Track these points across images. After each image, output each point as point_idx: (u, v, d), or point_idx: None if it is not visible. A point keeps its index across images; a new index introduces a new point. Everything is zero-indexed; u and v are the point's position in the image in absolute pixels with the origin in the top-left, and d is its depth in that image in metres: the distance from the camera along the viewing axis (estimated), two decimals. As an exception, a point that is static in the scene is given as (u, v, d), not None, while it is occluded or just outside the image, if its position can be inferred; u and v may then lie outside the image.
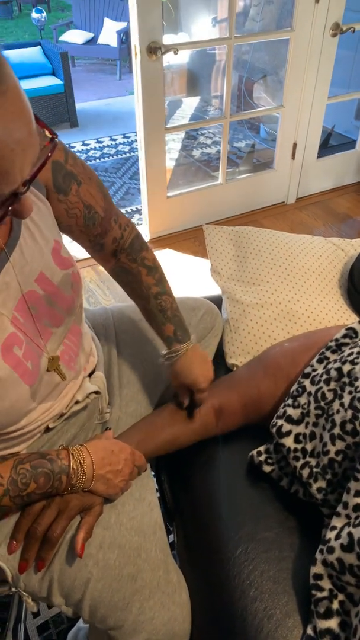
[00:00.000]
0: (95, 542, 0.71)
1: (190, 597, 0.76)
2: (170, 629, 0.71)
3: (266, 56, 3.52)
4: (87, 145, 3.77)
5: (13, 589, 0.71)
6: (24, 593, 0.71)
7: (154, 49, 1.94)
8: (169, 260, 2.31)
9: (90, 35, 5.87)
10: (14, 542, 0.69)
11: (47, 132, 0.50)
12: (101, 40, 5.79)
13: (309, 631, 0.65)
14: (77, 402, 0.78)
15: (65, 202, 0.72)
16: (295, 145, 2.54)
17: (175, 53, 1.99)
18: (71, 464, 0.68)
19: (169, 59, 2.01)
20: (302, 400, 0.80)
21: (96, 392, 0.81)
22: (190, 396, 0.87)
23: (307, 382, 0.81)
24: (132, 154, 3.58)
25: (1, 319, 0.62)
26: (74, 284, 0.73)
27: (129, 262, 0.85)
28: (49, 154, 0.50)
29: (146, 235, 2.44)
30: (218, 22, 3.72)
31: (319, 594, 0.66)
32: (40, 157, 0.49)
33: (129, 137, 3.84)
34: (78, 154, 3.58)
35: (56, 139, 0.50)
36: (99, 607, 0.70)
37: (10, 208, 0.48)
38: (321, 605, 0.65)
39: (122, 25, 5.67)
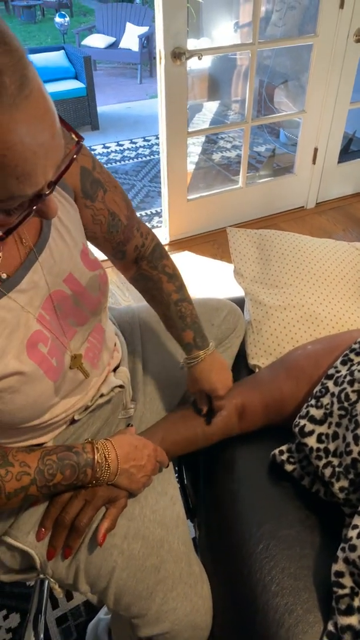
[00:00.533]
0: (120, 533, 0.74)
1: (212, 591, 0.77)
2: (192, 620, 0.73)
3: (288, 61, 3.53)
4: (108, 148, 3.82)
5: (41, 575, 0.73)
6: (52, 579, 0.73)
7: (178, 54, 1.97)
8: (188, 263, 2.34)
9: (112, 39, 5.94)
10: (43, 530, 0.72)
11: (73, 135, 0.51)
12: (123, 44, 5.86)
13: (330, 627, 0.66)
14: (102, 396, 0.80)
15: (92, 207, 0.74)
16: (316, 150, 2.55)
17: (200, 58, 2.01)
18: (96, 458, 0.70)
19: (191, 63, 2.03)
20: (325, 400, 0.81)
21: (120, 386, 0.83)
22: (208, 403, 0.88)
23: (330, 383, 0.82)
24: (152, 157, 3.62)
25: (27, 317, 0.64)
26: (101, 285, 0.75)
27: (149, 269, 0.86)
28: (74, 157, 0.50)
29: (166, 238, 2.46)
30: (240, 27, 3.74)
31: (341, 591, 0.67)
32: (65, 159, 0.50)
33: (149, 140, 3.87)
34: (99, 157, 3.63)
35: (82, 142, 0.51)
36: (124, 595, 0.72)
37: (34, 208, 0.48)
38: (342, 602, 0.66)
39: (143, 29, 5.73)
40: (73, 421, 0.79)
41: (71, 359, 0.72)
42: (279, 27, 3.35)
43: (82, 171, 0.71)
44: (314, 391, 0.84)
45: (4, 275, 0.62)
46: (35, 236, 0.65)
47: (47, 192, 0.48)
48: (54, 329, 0.68)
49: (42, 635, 1.06)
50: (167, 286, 0.87)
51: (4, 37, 0.40)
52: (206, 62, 3.98)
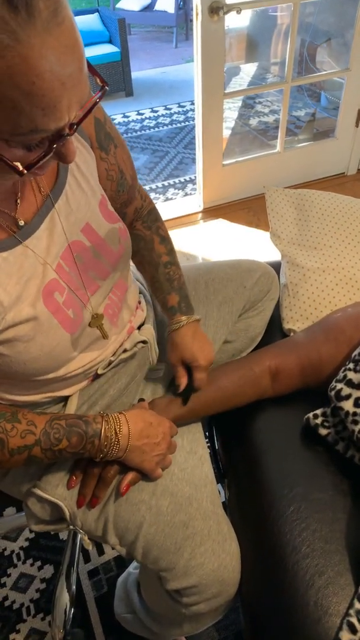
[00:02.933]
0: (148, 489, 0.74)
1: (241, 550, 0.77)
2: (219, 575, 0.73)
3: (331, 18, 3.33)
4: (142, 114, 3.75)
5: (71, 527, 0.75)
6: (81, 531, 0.75)
7: (215, 9, 1.88)
8: (222, 230, 2.29)
9: (147, 1, 5.75)
10: (74, 478, 0.73)
11: (98, 80, 0.49)
12: (158, 6, 5.66)
13: (362, 590, 0.65)
14: (125, 351, 0.79)
15: (107, 160, 0.73)
16: (360, 111, 2.41)
17: (238, 12, 1.92)
18: (104, 429, 0.68)
19: (229, 21, 1.94)
20: (365, 363, 0.78)
21: (144, 342, 0.82)
22: (189, 377, 0.82)
23: (371, 345, 0.79)
24: (186, 123, 3.53)
25: (44, 265, 0.63)
26: (121, 238, 0.73)
27: (143, 229, 0.86)
28: (98, 100, 0.49)
29: (199, 205, 2.41)
30: (281, -18, 3.54)
31: (374, 556, 0.66)
32: (89, 102, 0.48)
33: (184, 107, 3.77)
34: (133, 124, 3.57)
35: (106, 87, 0.49)
36: (152, 549, 0.72)
37: (54, 147, 0.47)
38: (375, 566, 0.65)
39: (180, -10, 5.51)
40: (97, 376, 0.79)
41: (92, 317, 0.71)
42: (324, -20, 3.15)
43: (96, 122, 0.70)
44: (353, 355, 0.81)
45: (22, 222, 0.61)
46: (51, 182, 0.64)
47: (68, 133, 0.46)
48: (72, 281, 0.67)
49: (74, 587, 1.10)
50: (158, 247, 0.85)
51: None
52: (244, 21, 3.80)
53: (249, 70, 3.97)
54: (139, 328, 0.85)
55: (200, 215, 2.39)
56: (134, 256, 0.87)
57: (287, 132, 2.50)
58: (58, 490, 0.74)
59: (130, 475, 0.73)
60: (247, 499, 0.83)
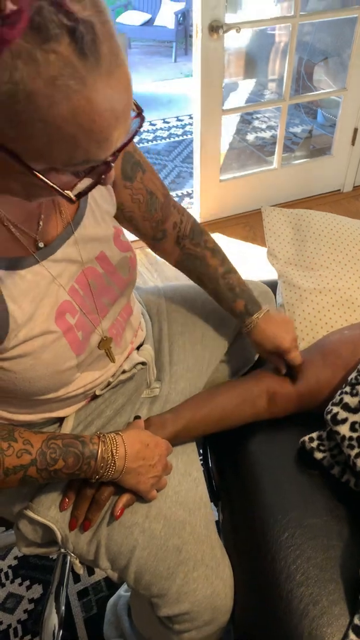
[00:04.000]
0: (142, 512, 0.73)
1: (234, 576, 0.76)
2: (212, 602, 0.72)
3: (328, 37, 3.38)
4: (141, 127, 3.77)
5: (62, 550, 0.74)
6: (72, 554, 0.73)
7: (215, 28, 1.90)
8: (221, 245, 2.29)
9: (147, 16, 5.82)
10: (66, 500, 0.72)
11: (134, 107, 0.50)
12: (158, 21, 5.74)
13: (357, 621, 0.64)
14: (124, 372, 0.79)
15: (131, 188, 0.76)
16: (356, 130, 2.44)
17: (238, 32, 1.94)
18: (101, 450, 0.67)
19: (227, 40, 1.97)
20: (361, 388, 0.78)
21: (142, 363, 0.82)
22: (284, 362, 0.87)
23: (368, 370, 0.79)
24: (184, 137, 3.56)
25: (59, 288, 0.64)
26: (130, 267, 0.76)
27: (193, 247, 0.87)
28: (138, 129, 0.50)
29: (196, 219, 2.42)
30: (280, 1, 3.60)
31: (369, 585, 0.65)
32: (130, 131, 0.50)
33: (182, 120, 3.81)
34: (131, 136, 3.60)
35: (142, 113, 0.50)
36: (144, 574, 0.71)
37: (103, 176, 0.49)
38: (371, 596, 0.64)
39: (180, 5, 5.59)
40: (95, 397, 0.78)
41: (101, 339, 0.72)
42: (321, 0, 3.21)
43: (125, 155, 0.73)
44: (349, 378, 0.80)
45: (41, 244, 0.62)
46: (73, 211, 0.66)
47: (112, 159, 0.48)
48: (85, 305, 0.68)
49: (63, 608, 1.07)
50: (212, 261, 0.88)
51: (99, 6, 0.41)
52: (243, 39, 3.86)
53: (247, 86, 4.02)
54: (137, 348, 0.85)
55: (196, 229, 2.40)
56: (191, 274, 0.91)
57: (284, 148, 2.53)
58: (50, 512, 0.72)
59: (124, 498, 0.72)
60: (241, 524, 0.82)
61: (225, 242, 2.31)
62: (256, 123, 3.55)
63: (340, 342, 0.87)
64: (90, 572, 1.23)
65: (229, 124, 3.46)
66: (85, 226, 0.68)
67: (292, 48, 2.12)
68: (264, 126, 3.52)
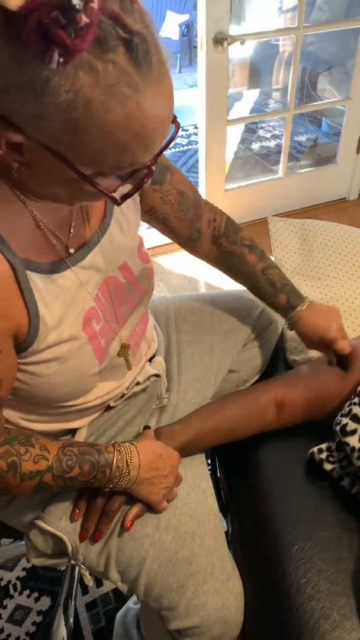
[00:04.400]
0: (152, 523, 0.73)
1: (244, 589, 0.76)
2: (222, 616, 0.71)
3: (332, 47, 3.40)
4: (146, 137, 3.80)
5: (72, 561, 0.73)
6: (82, 566, 0.73)
7: (220, 40, 1.92)
8: (225, 254, 2.29)
9: (152, 28, 5.88)
10: (77, 511, 0.72)
11: None
12: (162, 33, 5.79)
13: (369, 636, 0.64)
14: (137, 384, 0.80)
15: (160, 190, 0.77)
16: (360, 139, 2.45)
17: (242, 43, 1.96)
18: (117, 459, 0.67)
19: (232, 51, 1.99)
20: (370, 399, 0.77)
21: (156, 375, 0.82)
22: (333, 353, 0.88)
23: (377, 381, 0.79)
24: (189, 146, 3.58)
25: (85, 293, 0.66)
26: (149, 277, 0.77)
27: (230, 245, 0.88)
28: (174, 134, 0.53)
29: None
30: (283, 12, 3.63)
31: (381, 599, 0.64)
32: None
33: (187, 130, 3.83)
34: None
35: (177, 119, 0.52)
36: (154, 586, 0.71)
37: (145, 179, 0.51)
38: (383, 610, 0.63)
39: (184, 17, 5.65)
40: (108, 408, 0.79)
41: (120, 347, 0.73)
42: (324, 11, 3.23)
43: None
44: (358, 389, 0.80)
45: (72, 250, 0.63)
46: (100, 220, 0.68)
47: (153, 163, 0.50)
48: (107, 312, 0.70)
49: (71, 620, 1.07)
50: (250, 258, 0.89)
51: (147, 20, 0.43)
52: (247, 49, 3.89)
53: (251, 96, 4.04)
54: (149, 360, 0.85)
55: (202, 238, 2.41)
56: (229, 272, 0.92)
57: (289, 157, 2.54)
58: (61, 522, 0.72)
59: (135, 509, 0.72)
60: (250, 536, 0.81)
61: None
62: (261, 132, 3.57)
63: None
64: (99, 584, 1.23)
65: (234, 134, 3.48)
66: (110, 235, 0.69)
67: (296, 59, 2.14)
68: (268, 135, 3.53)
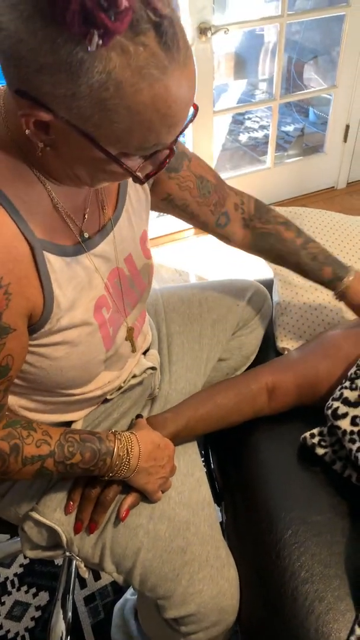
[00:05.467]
0: (146, 513, 0.73)
1: (239, 576, 0.76)
2: (218, 603, 0.72)
3: (317, 36, 3.39)
4: (133, 131, 3.78)
5: (67, 553, 0.73)
6: (77, 557, 0.73)
7: (204, 30, 1.91)
8: (217, 245, 2.29)
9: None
10: (71, 503, 0.72)
11: None
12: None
13: (363, 616, 0.64)
14: (134, 376, 0.80)
15: (177, 177, 0.77)
16: (347, 127, 2.45)
17: (226, 33, 1.95)
18: (117, 448, 0.67)
19: (216, 42, 1.97)
20: (360, 382, 0.78)
21: (152, 368, 0.82)
22: None
23: (366, 365, 0.79)
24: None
25: (97, 280, 0.66)
26: (149, 273, 0.77)
27: (263, 224, 0.87)
28: (193, 117, 0.53)
29: (192, 221, 2.43)
30: (268, 2, 3.61)
31: (374, 580, 0.65)
32: None
33: (174, 123, 3.81)
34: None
35: (196, 104, 0.53)
36: (150, 576, 0.71)
37: (167, 160, 0.52)
38: (376, 591, 0.64)
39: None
40: (105, 400, 0.79)
41: (127, 331, 0.74)
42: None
43: None
44: (349, 373, 0.80)
45: (87, 235, 0.63)
46: (112, 209, 0.68)
47: (174, 144, 0.52)
48: (115, 302, 0.70)
49: (70, 614, 1.07)
50: (287, 235, 0.87)
51: (173, 4, 0.44)
52: (233, 40, 3.87)
53: (237, 87, 4.03)
54: (144, 353, 0.85)
55: (192, 230, 2.40)
56: (268, 254, 0.90)
57: (277, 147, 2.53)
58: (56, 514, 0.72)
59: (130, 499, 0.72)
60: (244, 523, 0.82)
61: (220, 243, 2.31)
62: (248, 123, 3.56)
63: (341, 336, 0.87)
64: (97, 577, 1.23)
65: (222, 125, 3.46)
66: (120, 226, 0.69)
67: (280, 48, 2.13)
68: (256, 126, 3.52)
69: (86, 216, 0.63)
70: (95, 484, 0.71)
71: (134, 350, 0.77)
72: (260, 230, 0.87)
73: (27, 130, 0.47)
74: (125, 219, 0.70)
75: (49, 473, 0.64)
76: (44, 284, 0.57)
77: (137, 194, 0.72)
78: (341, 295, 0.88)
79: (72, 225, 0.61)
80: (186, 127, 0.51)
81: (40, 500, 0.73)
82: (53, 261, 0.58)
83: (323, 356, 0.86)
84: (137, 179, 0.51)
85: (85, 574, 0.74)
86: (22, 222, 0.53)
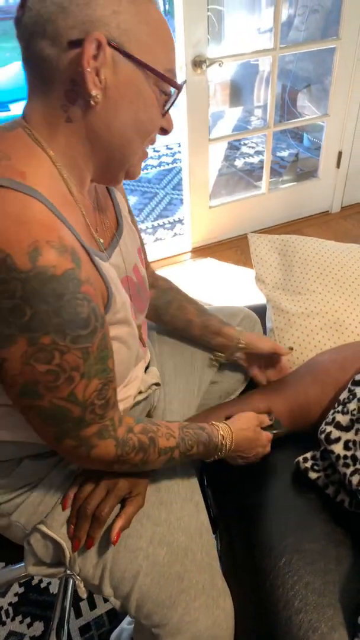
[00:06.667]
0: (146, 537, 0.73)
1: (234, 606, 0.76)
2: (213, 633, 0.71)
3: (310, 65, 3.50)
4: (131, 157, 3.85)
5: (68, 572, 0.73)
6: (78, 577, 0.73)
7: (198, 63, 1.97)
8: (211, 270, 2.33)
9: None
10: (71, 526, 0.72)
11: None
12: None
13: (356, 646, 0.64)
14: (140, 392, 0.81)
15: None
16: (340, 153, 2.51)
17: (220, 65, 2.01)
18: (220, 440, 0.76)
19: (213, 71, 2.04)
20: (352, 406, 0.79)
21: (156, 384, 0.84)
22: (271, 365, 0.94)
23: (357, 389, 0.80)
24: (174, 164, 3.63)
25: (120, 286, 0.69)
26: (147, 283, 0.82)
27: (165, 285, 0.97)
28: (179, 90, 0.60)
29: (188, 245, 2.46)
30: (262, 33, 3.73)
31: (367, 609, 0.65)
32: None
33: (171, 149, 3.89)
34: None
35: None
36: (146, 602, 0.71)
37: (173, 102, 0.60)
38: (369, 620, 0.64)
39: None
40: None
41: (138, 328, 0.77)
42: (301, 31, 3.33)
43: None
44: (340, 397, 0.82)
45: (103, 246, 0.67)
46: (114, 225, 0.74)
47: (181, 87, 0.59)
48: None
49: (65, 644, 1.05)
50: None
51: None
52: (229, 69, 3.98)
53: (233, 113, 4.13)
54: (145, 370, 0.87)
55: (189, 255, 2.44)
56: (171, 305, 0.96)
57: (272, 172, 2.58)
58: (62, 529, 0.72)
59: (120, 521, 0.71)
60: (238, 551, 0.82)
61: (217, 267, 2.34)
62: (244, 149, 3.64)
63: (329, 361, 0.89)
64: (92, 606, 1.22)
65: (218, 151, 3.54)
66: (125, 240, 0.74)
67: (273, 78, 2.20)
68: (252, 152, 3.60)
69: (98, 230, 0.68)
70: (90, 500, 0.71)
71: (144, 345, 0.81)
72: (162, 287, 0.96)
73: (87, 73, 0.52)
74: (126, 233, 0.75)
75: (174, 463, 0.71)
76: (103, 276, 0.62)
77: (125, 210, 0.78)
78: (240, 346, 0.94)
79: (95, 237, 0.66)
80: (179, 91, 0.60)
81: (49, 514, 0.73)
82: (99, 263, 0.63)
83: (312, 381, 0.87)
84: (178, 87, 0.59)
85: (84, 594, 0.73)
86: (73, 231, 0.57)
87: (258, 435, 0.81)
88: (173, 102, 0.61)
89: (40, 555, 0.73)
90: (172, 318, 0.95)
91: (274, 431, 0.85)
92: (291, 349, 0.88)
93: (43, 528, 0.72)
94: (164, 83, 0.58)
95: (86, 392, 0.56)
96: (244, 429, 0.79)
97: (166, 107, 0.61)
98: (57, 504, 0.74)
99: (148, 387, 0.82)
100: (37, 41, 0.53)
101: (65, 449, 0.61)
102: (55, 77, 0.54)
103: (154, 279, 0.96)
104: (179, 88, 0.59)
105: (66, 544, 0.72)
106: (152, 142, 0.65)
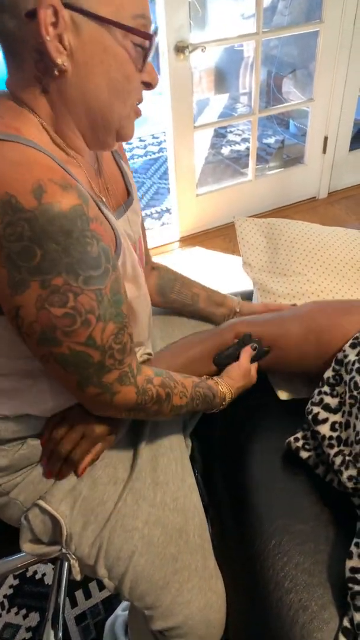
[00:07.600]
0: (142, 517, 0.73)
1: (226, 588, 0.76)
2: (205, 615, 0.71)
3: (295, 50, 3.47)
4: (117, 147, 3.81)
5: (64, 550, 0.73)
6: (73, 557, 0.73)
7: (181, 48, 1.95)
8: (200, 258, 2.32)
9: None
10: (47, 466, 0.73)
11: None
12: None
13: (346, 623, 0.64)
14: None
15: None
16: (326, 138, 2.50)
17: (203, 51, 1.99)
18: (220, 394, 0.80)
19: (196, 57, 2.02)
20: (340, 389, 0.79)
21: (149, 354, 0.84)
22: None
23: (343, 371, 0.80)
24: (160, 154, 3.60)
25: (131, 247, 0.71)
26: (144, 262, 0.85)
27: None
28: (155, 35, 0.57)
29: (176, 234, 2.45)
30: (246, 18, 3.69)
31: (356, 587, 0.65)
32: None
33: (157, 137, 3.86)
34: (108, 156, 3.64)
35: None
36: (140, 583, 0.71)
37: (150, 47, 0.56)
38: (358, 598, 0.64)
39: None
40: None
41: None
42: (285, 15, 3.29)
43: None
44: (326, 377, 0.81)
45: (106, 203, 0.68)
46: (123, 194, 0.75)
47: (154, 38, 0.56)
48: None
49: (61, 634, 1.06)
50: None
51: None
52: (213, 55, 3.94)
53: (219, 100, 4.09)
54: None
55: (177, 244, 2.43)
56: (175, 283, 1.01)
57: (259, 159, 2.57)
58: (61, 506, 0.72)
59: (89, 457, 0.73)
60: (229, 534, 0.82)
61: (205, 255, 2.33)
62: (230, 136, 3.61)
63: (317, 310, 0.89)
64: (87, 595, 1.22)
65: (204, 139, 3.51)
66: (134, 209, 0.75)
67: (257, 64, 2.18)
68: (238, 139, 3.58)
69: (102, 194, 0.67)
70: (65, 443, 0.71)
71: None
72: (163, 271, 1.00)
73: (48, 42, 0.50)
74: (136, 205, 0.77)
75: (181, 413, 0.75)
76: (113, 229, 0.62)
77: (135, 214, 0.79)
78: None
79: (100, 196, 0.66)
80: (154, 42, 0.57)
81: (48, 491, 0.73)
82: (107, 214, 0.62)
83: (293, 319, 0.88)
84: (150, 38, 0.55)
85: (78, 576, 0.73)
86: (78, 183, 0.56)
87: (251, 379, 0.86)
88: (148, 53, 0.57)
89: (37, 531, 0.73)
90: (179, 294, 0.97)
91: (258, 360, 0.88)
92: (268, 352, 0.89)
93: (42, 503, 0.72)
94: (135, 35, 0.54)
95: (104, 336, 0.56)
96: (240, 386, 0.84)
97: (143, 61, 0.58)
98: (57, 482, 0.74)
99: (140, 356, 0.82)
100: (0, 15, 0.51)
101: (89, 397, 0.62)
102: (22, 49, 0.53)
103: (153, 262, 0.97)
104: (148, 38, 0.55)
105: (64, 521, 0.71)
106: (139, 100, 0.62)
